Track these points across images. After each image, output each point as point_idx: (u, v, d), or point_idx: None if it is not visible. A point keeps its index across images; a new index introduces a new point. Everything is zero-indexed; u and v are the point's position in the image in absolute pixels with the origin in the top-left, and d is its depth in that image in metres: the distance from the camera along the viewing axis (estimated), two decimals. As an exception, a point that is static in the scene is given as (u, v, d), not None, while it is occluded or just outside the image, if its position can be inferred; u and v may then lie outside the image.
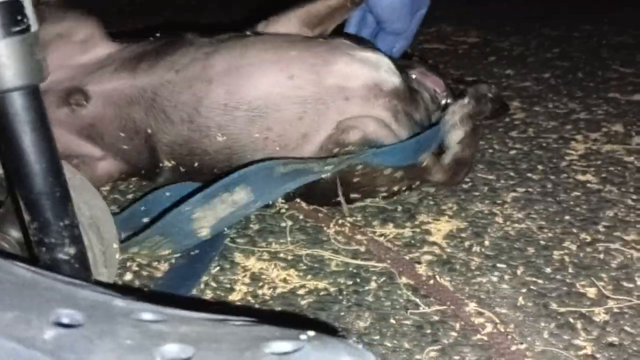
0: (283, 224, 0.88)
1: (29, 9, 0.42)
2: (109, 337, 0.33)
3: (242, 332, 0.34)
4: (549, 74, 1.51)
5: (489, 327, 0.67)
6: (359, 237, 0.84)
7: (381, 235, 0.85)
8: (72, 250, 0.47)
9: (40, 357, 0.31)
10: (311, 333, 0.34)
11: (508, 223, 0.87)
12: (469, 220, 0.88)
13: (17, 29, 0.42)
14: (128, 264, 0.80)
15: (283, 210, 0.92)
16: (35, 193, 0.46)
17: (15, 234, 0.60)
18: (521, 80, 1.47)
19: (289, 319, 0.70)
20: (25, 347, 0.31)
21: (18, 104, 0.43)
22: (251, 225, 0.88)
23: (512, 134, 1.16)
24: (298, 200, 0.92)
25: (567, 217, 0.88)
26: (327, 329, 0.37)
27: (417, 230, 0.86)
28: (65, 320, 0.34)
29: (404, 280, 0.76)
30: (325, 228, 0.87)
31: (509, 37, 1.87)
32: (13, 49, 0.42)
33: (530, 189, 0.96)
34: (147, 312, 0.36)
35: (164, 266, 0.79)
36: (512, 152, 1.09)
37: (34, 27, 0.43)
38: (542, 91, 1.38)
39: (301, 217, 0.90)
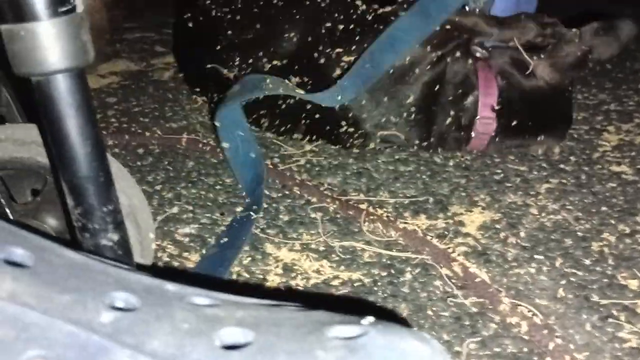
0: (313, 215, 0.87)
1: (75, -11, 0.41)
2: (167, 320, 0.32)
3: (300, 317, 0.33)
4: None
5: (529, 319, 0.66)
6: (391, 228, 0.83)
7: (414, 226, 0.84)
8: (115, 237, 0.47)
9: (99, 340, 0.30)
10: (371, 318, 0.33)
11: (543, 214, 0.86)
12: (502, 212, 0.87)
13: (64, 9, 0.41)
14: (159, 254, 0.79)
15: (313, 201, 0.91)
16: (79, 177, 0.45)
17: (52, 222, 0.60)
18: (548, 72, 1.45)
19: (338, 305, 0.69)
20: (83, 330, 0.30)
21: (63, 86, 0.42)
22: (281, 217, 0.87)
23: (542, 125, 1.14)
24: (328, 192, 0.92)
25: (603, 209, 0.86)
26: (381, 315, 0.36)
27: (450, 221, 0.85)
28: (120, 304, 0.33)
29: (439, 271, 0.75)
30: (356, 219, 0.86)
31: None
32: (59, 30, 0.41)
33: (564, 180, 0.94)
34: (200, 297, 0.36)
35: (194, 257, 0.79)
36: (543, 143, 1.07)
37: (80, 7, 0.42)
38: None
39: (331, 208, 0.89)
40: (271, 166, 1.00)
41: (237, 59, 1.07)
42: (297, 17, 1.03)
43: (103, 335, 0.30)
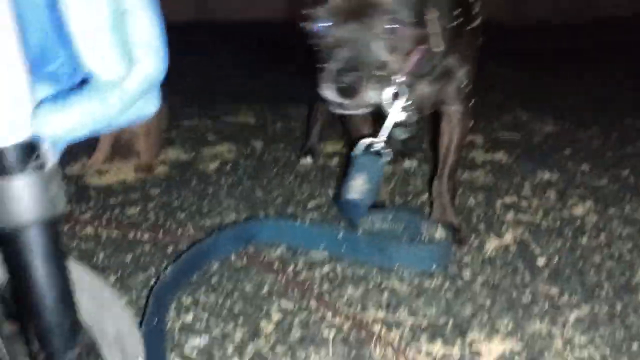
0: (326, 334, 0.85)
1: (44, 148, 0.43)
2: None
3: None
4: (627, 171, 1.42)
5: None
6: (402, 356, 0.79)
7: (427, 354, 0.80)
8: (78, 383, 0.46)
9: None
10: None
11: (568, 348, 0.80)
12: (524, 341, 0.82)
13: (33, 164, 0.42)
14: (163, 369, 0.78)
15: (328, 316, 0.88)
16: (45, 323, 0.45)
17: None
18: (597, 177, 1.40)
19: None
20: None
21: (31, 238, 0.43)
22: (293, 332, 0.85)
23: (582, 240, 1.09)
24: (345, 307, 0.89)
25: (635, 346, 0.80)
26: None
27: (467, 350, 0.81)
28: None
29: (445, 410, 0.70)
30: (368, 343, 0.82)
31: (588, 128, 1.80)
32: (28, 184, 0.43)
33: (596, 309, 0.88)
34: None
35: (198, 373, 0.77)
36: (580, 263, 1.01)
37: (50, 163, 0.43)
38: (618, 191, 1.30)
39: (345, 326, 0.86)
40: (292, 274, 0.99)
41: None
42: None
43: None
